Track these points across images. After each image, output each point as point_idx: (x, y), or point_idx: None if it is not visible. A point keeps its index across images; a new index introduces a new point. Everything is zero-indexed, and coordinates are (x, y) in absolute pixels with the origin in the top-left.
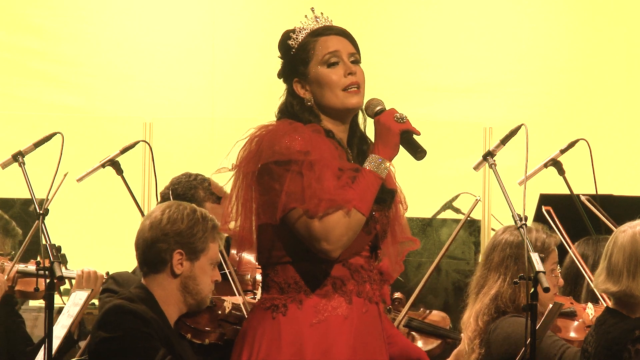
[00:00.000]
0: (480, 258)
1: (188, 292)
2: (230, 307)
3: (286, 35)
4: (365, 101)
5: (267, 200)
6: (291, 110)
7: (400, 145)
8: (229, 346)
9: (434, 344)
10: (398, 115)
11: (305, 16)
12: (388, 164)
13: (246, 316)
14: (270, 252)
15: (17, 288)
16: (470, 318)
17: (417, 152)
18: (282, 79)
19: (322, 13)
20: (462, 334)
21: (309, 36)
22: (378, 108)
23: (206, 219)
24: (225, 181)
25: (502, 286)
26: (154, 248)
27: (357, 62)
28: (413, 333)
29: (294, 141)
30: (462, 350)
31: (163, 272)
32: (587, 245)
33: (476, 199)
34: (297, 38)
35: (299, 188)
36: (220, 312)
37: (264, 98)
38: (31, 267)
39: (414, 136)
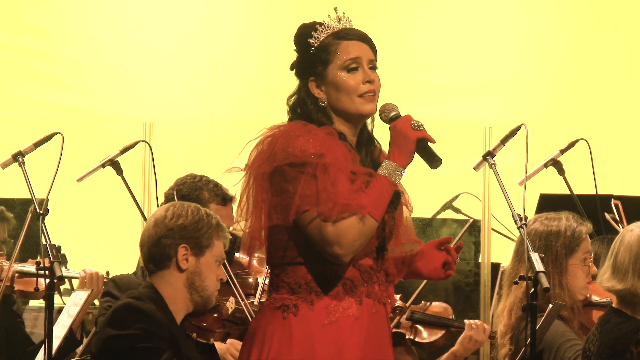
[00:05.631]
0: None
1: (194, 288)
2: (233, 308)
3: (306, 32)
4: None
5: (279, 202)
6: (304, 109)
7: (415, 153)
8: None
9: (438, 334)
10: (415, 122)
11: (329, 16)
12: (402, 171)
13: (250, 318)
14: (282, 253)
15: (16, 288)
16: (505, 311)
17: (433, 160)
18: (294, 73)
19: (343, 13)
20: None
21: (331, 37)
22: (393, 114)
23: (210, 216)
24: (235, 180)
25: None
26: (159, 244)
27: (374, 68)
28: (417, 326)
29: (308, 143)
30: (466, 336)
31: (169, 268)
32: (602, 243)
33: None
34: (318, 37)
35: (313, 191)
36: (224, 312)
37: (263, 98)
38: (29, 267)
39: (430, 144)
